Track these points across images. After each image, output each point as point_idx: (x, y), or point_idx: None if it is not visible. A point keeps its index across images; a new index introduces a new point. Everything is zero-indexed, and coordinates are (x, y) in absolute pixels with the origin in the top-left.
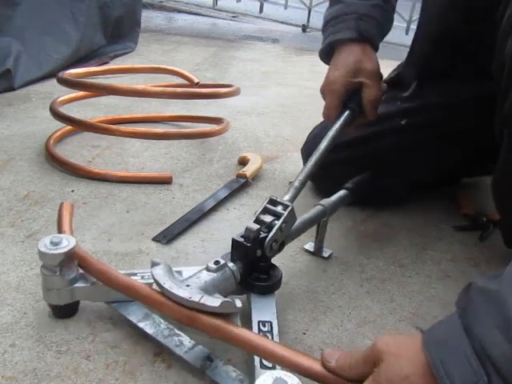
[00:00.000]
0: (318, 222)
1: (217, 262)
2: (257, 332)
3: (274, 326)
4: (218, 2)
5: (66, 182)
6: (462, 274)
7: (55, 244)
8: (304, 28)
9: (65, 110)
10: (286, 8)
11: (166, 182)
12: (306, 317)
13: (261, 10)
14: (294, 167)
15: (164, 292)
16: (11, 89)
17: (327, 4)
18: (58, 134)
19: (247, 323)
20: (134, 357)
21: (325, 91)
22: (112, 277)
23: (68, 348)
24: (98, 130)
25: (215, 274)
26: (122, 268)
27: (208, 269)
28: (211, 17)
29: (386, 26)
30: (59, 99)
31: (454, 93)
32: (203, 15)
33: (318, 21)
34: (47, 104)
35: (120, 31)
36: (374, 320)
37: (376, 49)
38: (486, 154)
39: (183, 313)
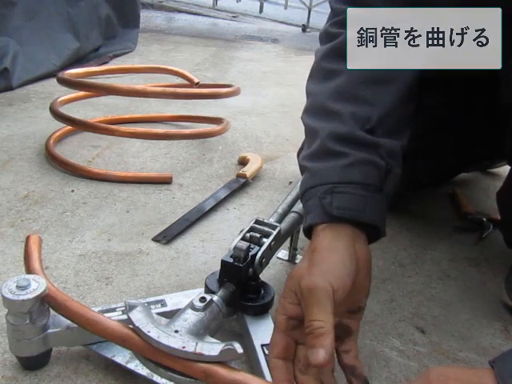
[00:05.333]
0: (295, 230)
1: (203, 299)
2: (263, 357)
3: None
4: (218, 2)
5: (66, 181)
6: (461, 274)
7: (23, 288)
8: (304, 28)
9: (65, 110)
10: (286, 8)
11: (166, 181)
12: None
13: (261, 10)
14: (294, 167)
15: (151, 342)
16: (10, 88)
17: (327, 4)
18: (58, 133)
19: (246, 348)
20: None
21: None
22: (104, 325)
23: (68, 348)
24: (97, 130)
25: (203, 314)
26: (122, 269)
27: (194, 307)
28: (211, 17)
29: (386, 182)
30: (59, 99)
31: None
32: (203, 15)
33: (317, 21)
34: (47, 104)
35: (117, 30)
36: (374, 320)
37: (369, 230)
38: (483, 152)
39: (196, 368)
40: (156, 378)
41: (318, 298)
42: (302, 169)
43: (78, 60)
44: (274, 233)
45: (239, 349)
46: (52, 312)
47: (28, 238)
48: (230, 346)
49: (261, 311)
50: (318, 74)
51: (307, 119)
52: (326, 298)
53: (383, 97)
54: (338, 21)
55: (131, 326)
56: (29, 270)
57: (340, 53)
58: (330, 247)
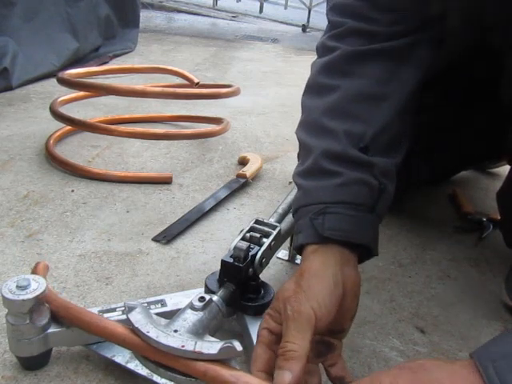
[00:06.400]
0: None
1: (202, 299)
2: None
3: None
4: (218, 2)
5: (66, 181)
6: (461, 274)
7: (23, 288)
8: (304, 28)
9: (65, 110)
10: (286, 8)
11: (166, 181)
12: None
13: (261, 10)
14: (294, 167)
15: (150, 342)
16: (9, 88)
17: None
18: (58, 133)
19: (246, 348)
20: None
21: (289, 325)
22: (106, 327)
23: (68, 348)
24: (97, 129)
25: (202, 313)
26: (122, 269)
27: (193, 307)
28: (211, 17)
29: (379, 202)
30: (59, 99)
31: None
32: (203, 15)
33: (317, 21)
34: (47, 104)
35: (117, 30)
36: (374, 320)
37: (361, 250)
38: (483, 152)
39: (197, 367)
40: (156, 378)
41: (299, 322)
42: (296, 185)
43: (77, 60)
44: (274, 233)
45: (238, 347)
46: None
47: (36, 266)
48: (229, 344)
49: (261, 311)
50: (313, 89)
51: (301, 134)
52: (308, 326)
53: (377, 114)
54: (335, 34)
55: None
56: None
57: (336, 68)
58: (318, 273)
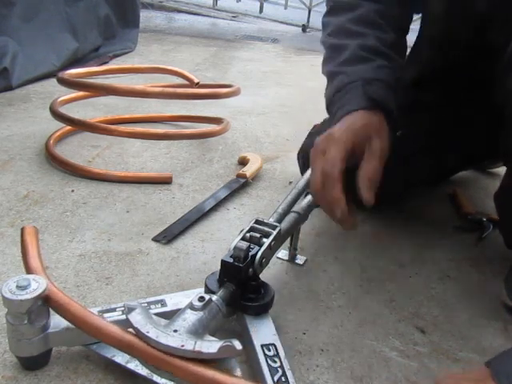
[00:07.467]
0: (295, 230)
1: (201, 299)
2: (263, 357)
3: (278, 348)
4: (218, 2)
5: (66, 181)
6: (461, 274)
7: (22, 288)
8: (304, 28)
9: (65, 110)
10: (286, 8)
11: (166, 181)
12: (306, 317)
13: (261, 10)
14: (294, 167)
15: (150, 342)
16: (9, 88)
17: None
18: (58, 133)
19: (246, 348)
20: None
21: (327, 145)
22: (107, 331)
23: (68, 348)
24: (97, 129)
25: (202, 313)
26: (122, 269)
27: (193, 307)
28: (211, 17)
29: (395, 86)
30: (59, 99)
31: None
32: (203, 15)
33: (317, 21)
34: (47, 104)
35: (117, 30)
36: (374, 320)
37: (390, 115)
38: (483, 152)
39: (190, 370)
40: (156, 378)
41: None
42: (333, 75)
43: (77, 60)
44: (274, 233)
45: (238, 345)
46: (52, 312)
47: (23, 230)
48: (229, 343)
49: (261, 311)
50: (337, 8)
51: (332, 40)
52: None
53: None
54: None
55: (131, 329)
56: (28, 270)
57: None
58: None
